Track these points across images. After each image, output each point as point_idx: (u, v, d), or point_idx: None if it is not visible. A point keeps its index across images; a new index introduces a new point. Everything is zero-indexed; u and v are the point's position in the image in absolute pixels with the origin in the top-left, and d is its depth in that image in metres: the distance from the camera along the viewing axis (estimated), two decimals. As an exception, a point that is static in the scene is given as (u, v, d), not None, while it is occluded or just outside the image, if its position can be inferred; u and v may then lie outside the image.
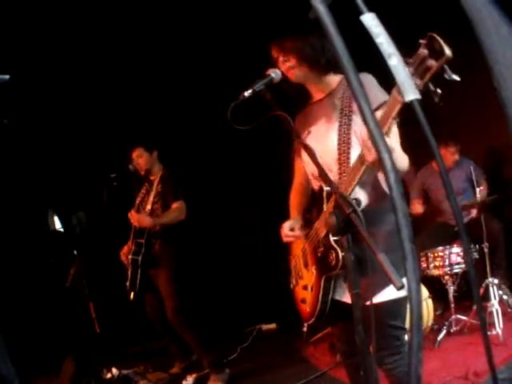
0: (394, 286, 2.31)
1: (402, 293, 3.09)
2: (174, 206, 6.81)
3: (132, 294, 6.77)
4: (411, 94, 1.11)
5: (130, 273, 6.77)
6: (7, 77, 2.47)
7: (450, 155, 7.56)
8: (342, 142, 3.36)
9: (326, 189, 3.30)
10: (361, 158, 2.98)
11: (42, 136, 8.34)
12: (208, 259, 9.01)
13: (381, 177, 3.38)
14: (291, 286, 3.89)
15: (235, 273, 9.34)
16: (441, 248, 6.60)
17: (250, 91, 3.17)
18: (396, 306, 3.32)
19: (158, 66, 8.10)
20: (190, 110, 8.63)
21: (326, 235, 3.26)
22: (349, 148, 3.33)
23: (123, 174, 6.82)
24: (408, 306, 3.36)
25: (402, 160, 3.18)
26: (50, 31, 6.85)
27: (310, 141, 3.47)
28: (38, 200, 8.68)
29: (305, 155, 3.58)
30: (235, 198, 9.32)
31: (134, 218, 6.69)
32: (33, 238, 8.66)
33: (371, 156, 2.84)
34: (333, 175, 3.31)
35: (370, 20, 1.12)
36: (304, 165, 3.75)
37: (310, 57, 3.44)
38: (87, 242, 6.87)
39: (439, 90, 2.29)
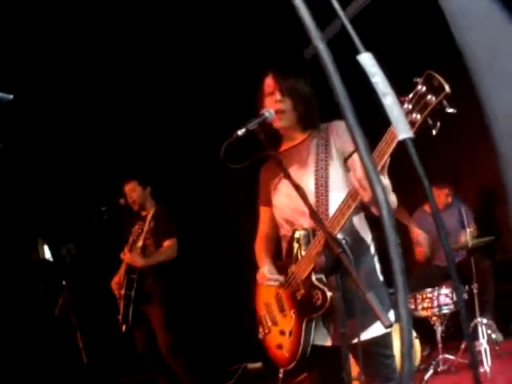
0: (383, 324, 2.33)
1: (385, 329, 3.15)
2: (166, 244, 6.86)
3: (124, 326, 6.77)
4: (404, 132, 1.13)
5: (122, 306, 6.77)
6: (11, 96, 2.35)
7: (443, 196, 7.62)
8: (320, 186, 3.39)
9: (302, 233, 3.35)
10: (350, 199, 3.00)
11: (36, 164, 8.35)
12: (196, 296, 8.99)
13: (356, 221, 3.42)
14: (260, 335, 3.84)
15: (222, 310, 9.31)
16: (429, 289, 6.63)
17: (243, 130, 3.15)
18: (385, 337, 3.35)
19: (155, 100, 8.14)
20: (184, 146, 8.65)
21: (308, 277, 3.28)
22: (327, 191, 3.37)
23: (114, 208, 6.86)
24: (393, 337, 3.42)
25: (393, 198, 3.21)
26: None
27: (283, 186, 3.54)
28: (29, 228, 8.68)
29: (276, 200, 3.66)
30: (225, 237, 9.31)
31: (127, 257, 6.73)
32: (22, 265, 8.64)
33: (367, 195, 2.87)
34: (306, 219, 3.34)
35: (366, 59, 1.14)
36: (275, 210, 3.75)
37: (304, 107, 3.51)
38: (76, 273, 6.88)
39: (438, 123, 2.44)
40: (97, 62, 7.30)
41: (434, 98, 2.41)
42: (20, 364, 8.19)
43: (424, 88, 2.44)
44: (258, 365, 9.05)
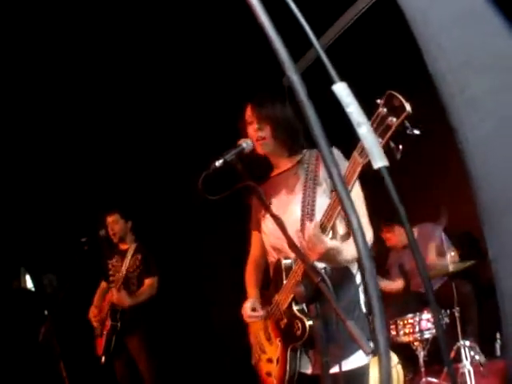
0: (364, 351, 2.34)
1: (363, 361, 3.17)
2: (148, 281, 7.03)
3: (103, 358, 6.77)
4: (379, 161, 1.15)
5: (105, 337, 6.84)
6: None
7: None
8: (306, 214, 3.40)
9: (285, 261, 3.39)
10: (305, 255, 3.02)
11: (18, 193, 8.33)
12: (177, 329, 8.97)
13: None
14: (253, 361, 3.88)
15: (201, 340, 9.29)
16: (411, 315, 6.66)
17: (220, 161, 3.21)
18: (357, 373, 3.32)
19: (139, 132, 8.14)
20: (163, 179, 8.63)
21: (289, 306, 3.31)
22: (312, 217, 3.37)
23: (94, 239, 6.89)
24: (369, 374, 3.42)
25: (368, 231, 3.24)
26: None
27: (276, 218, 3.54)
28: (12, 258, 8.65)
29: (265, 226, 3.68)
30: (205, 271, 9.31)
31: (115, 297, 6.80)
32: (4, 294, 8.62)
33: (314, 256, 2.94)
34: (293, 246, 3.30)
35: (341, 89, 1.16)
36: (264, 236, 3.77)
37: (285, 134, 3.53)
38: (57, 304, 6.88)
39: (400, 146, 2.34)
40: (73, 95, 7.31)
41: (394, 120, 2.34)
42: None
43: (385, 109, 2.37)
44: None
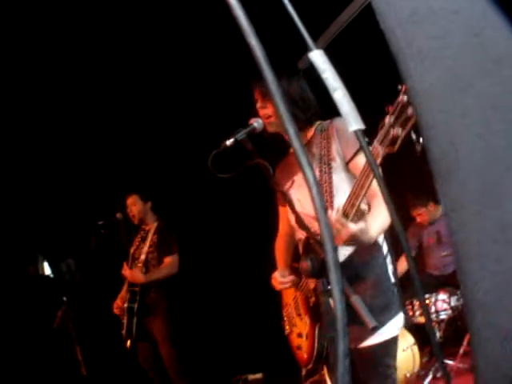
0: (367, 326, 2.36)
1: (394, 333, 3.17)
2: (167, 260, 6.92)
3: (128, 341, 6.81)
4: (355, 124, 1.17)
5: (125, 321, 6.81)
6: None
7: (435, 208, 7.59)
8: (324, 192, 3.38)
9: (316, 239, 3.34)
10: (353, 198, 2.99)
11: (35, 178, 8.36)
12: (198, 308, 9.01)
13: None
14: (285, 332, 3.92)
15: (222, 322, 9.32)
16: (427, 295, 6.64)
17: (231, 140, 3.20)
18: (388, 345, 3.34)
19: (154, 115, 8.14)
20: (181, 159, 8.64)
21: (316, 285, 3.28)
22: (331, 197, 3.36)
23: (111, 222, 6.90)
24: (398, 345, 3.44)
25: (385, 219, 3.17)
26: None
27: (294, 191, 3.56)
28: (28, 243, 8.69)
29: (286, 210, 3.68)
30: (226, 248, 9.32)
31: (127, 274, 6.79)
32: (21, 280, 8.67)
33: (338, 241, 2.90)
34: (313, 224, 3.29)
35: (317, 56, 1.19)
36: (288, 214, 3.76)
37: (291, 109, 3.44)
38: (75, 287, 6.92)
39: (421, 140, 2.24)
40: (93, 79, 7.32)
41: None
42: (20, 376, 8.21)
43: (406, 97, 2.26)
44: (259, 376, 9.05)
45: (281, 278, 3.75)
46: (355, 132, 1.18)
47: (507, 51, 0.92)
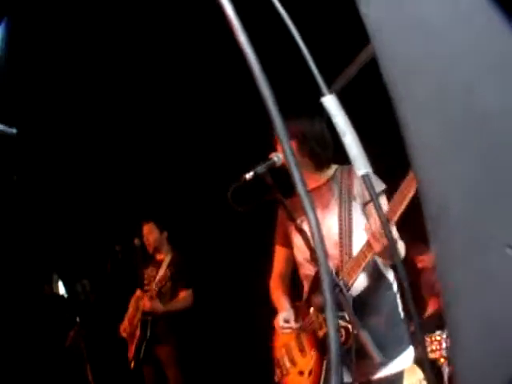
0: (375, 360, 2.42)
1: (404, 365, 3.27)
2: (183, 294, 7.04)
3: (133, 363, 6.86)
4: (363, 168, 1.25)
5: (135, 346, 6.91)
6: (14, 130, 2.39)
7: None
8: (344, 227, 3.49)
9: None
10: (368, 247, 3.14)
11: (52, 198, 8.43)
12: (208, 341, 9.01)
13: (378, 260, 3.51)
14: (276, 378, 3.92)
15: (233, 352, 9.31)
16: (438, 332, 6.63)
17: (251, 174, 3.28)
18: (399, 377, 3.43)
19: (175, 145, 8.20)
20: (198, 191, 8.67)
21: None
22: (351, 232, 3.47)
23: (128, 247, 6.97)
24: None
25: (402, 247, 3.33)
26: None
27: (306, 227, 3.60)
28: (44, 263, 8.74)
29: (298, 239, 3.67)
30: (239, 282, 9.33)
31: (147, 304, 6.84)
32: (36, 299, 8.72)
33: (379, 246, 3.01)
34: (332, 260, 3.41)
35: (329, 101, 1.28)
36: (295, 250, 3.83)
37: (311, 148, 3.58)
38: (89, 309, 6.99)
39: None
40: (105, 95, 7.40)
41: None
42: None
43: None
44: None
45: (283, 323, 3.77)
46: (362, 176, 1.25)
47: (496, 108, 0.98)
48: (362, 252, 3.22)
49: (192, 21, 6.38)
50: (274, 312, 4.00)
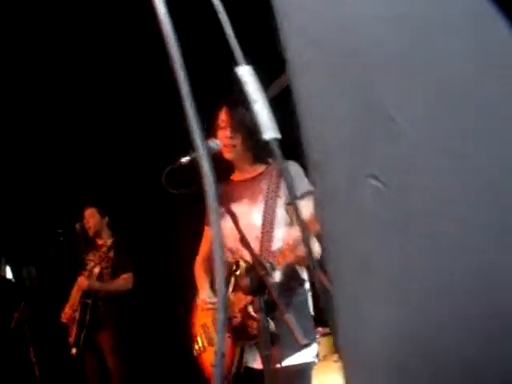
0: (298, 342, 2.46)
1: (309, 359, 3.33)
2: (123, 276, 7.02)
3: (74, 350, 6.84)
4: (270, 132, 1.29)
5: (75, 329, 6.84)
6: None
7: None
8: (267, 223, 3.54)
9: (243, 264, 3.46)
10: (282, 255, 3.24)
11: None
12: (148, 324, 9.02)
13: None
14: (194, 352, 4.00)
15: (171, 338, 9.32)
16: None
17: (187, 158, 3.31)
18: (306, 368, 3.50)
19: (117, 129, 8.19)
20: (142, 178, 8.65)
21: (245, 307, 3.40)
22: (272, 229, 3.52)
23: (70, 231, 6.97)
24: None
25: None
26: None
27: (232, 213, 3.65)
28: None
29: (225, 227, 3.64)
30: (179, 267, 9.32)
31: (84, 283, 6.81)
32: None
33: (291, 258, 3.14)
34: (255, 245, 3.46)
35: (245, 72, 1.32)
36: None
37: (255, 143, 3.54)
38: (31, 292, 6.97)
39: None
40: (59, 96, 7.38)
41: None
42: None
43: None
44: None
45: (208, 299, 3.84)
46: (269, 140, 1.28)
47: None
48: (276, 259, 3.28)
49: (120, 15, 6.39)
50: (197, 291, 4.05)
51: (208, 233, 4.06)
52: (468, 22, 0.99)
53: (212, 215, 0.97)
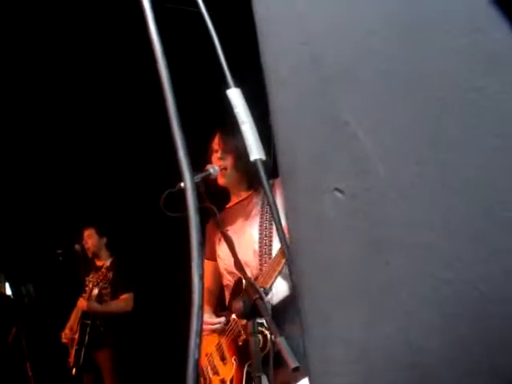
0: (290, 366, 2.47)
1: None
2: (123, 297, 7.08)
3: (74, 369, 6.87)
4: (256, 153, 1.35)
5: (74, 351, 6.91)
6: None
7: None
8: (264, 236, 3.56)
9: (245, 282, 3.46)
10: (281, 252, 3.22)
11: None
12: (148, 346, 9.01)
13: None
14: None
15: (173, 362, 9.28)
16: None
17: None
18: None
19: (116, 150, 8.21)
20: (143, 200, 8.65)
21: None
22: (271, 241, 3.55)
23: (69, 251, 7.00)
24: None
25: None
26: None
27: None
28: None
29: (220, 251, 3.79)
30: (179, 288, 9.28)
31: (84, 304, 6.88)
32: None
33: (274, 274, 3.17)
34: (250, 269, 3.51)
35: (234, 94, 1.38)
36: (219, 260, 3.90)
37: (246, 165, 3.59)
38: (29, 309, 7.00)
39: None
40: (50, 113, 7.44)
41: None
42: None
43: None
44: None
45: (209, 319, 3.81)
46: (255, 161, 1.34)
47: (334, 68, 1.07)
48: (277, 256, 3.31)
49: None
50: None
51: (206, 266, 4.04)
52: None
53: (194, 247, 0.99)
